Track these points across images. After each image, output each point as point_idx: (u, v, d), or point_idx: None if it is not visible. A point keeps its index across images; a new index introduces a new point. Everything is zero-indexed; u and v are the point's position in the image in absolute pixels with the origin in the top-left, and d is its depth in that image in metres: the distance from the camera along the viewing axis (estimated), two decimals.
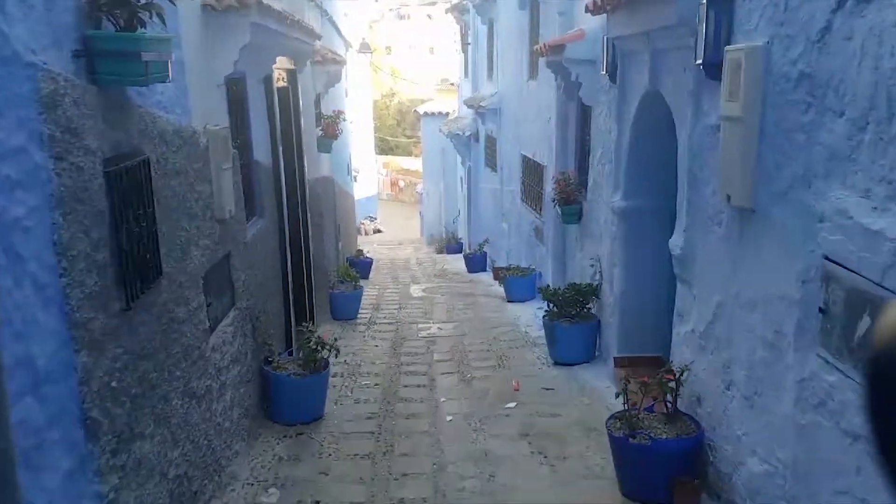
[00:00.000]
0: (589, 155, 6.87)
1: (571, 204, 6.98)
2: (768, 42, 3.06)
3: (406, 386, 5.94)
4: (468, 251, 14.96)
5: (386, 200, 37.08)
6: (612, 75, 5.55)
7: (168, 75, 3.07)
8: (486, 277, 12.60)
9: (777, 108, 3.00)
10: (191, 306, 3.71)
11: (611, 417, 4.00)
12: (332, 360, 5.27)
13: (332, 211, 10.97)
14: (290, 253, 6.50)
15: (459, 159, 18.39)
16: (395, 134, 43.66)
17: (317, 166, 9.01)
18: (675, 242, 4.10)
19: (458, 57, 20.42)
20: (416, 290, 11.22)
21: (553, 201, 7.22)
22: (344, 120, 9.88)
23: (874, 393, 0.58)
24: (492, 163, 13.64)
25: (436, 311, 9.29)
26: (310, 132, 8.22)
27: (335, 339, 5.18)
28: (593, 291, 6.16)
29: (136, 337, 3.01)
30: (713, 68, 3.50)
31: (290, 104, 7.09)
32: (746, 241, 3.29)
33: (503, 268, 11.25)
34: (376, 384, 5.95)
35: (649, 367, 5.46)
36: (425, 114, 22.81)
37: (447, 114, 20.90)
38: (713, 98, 3.61)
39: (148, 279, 3.11)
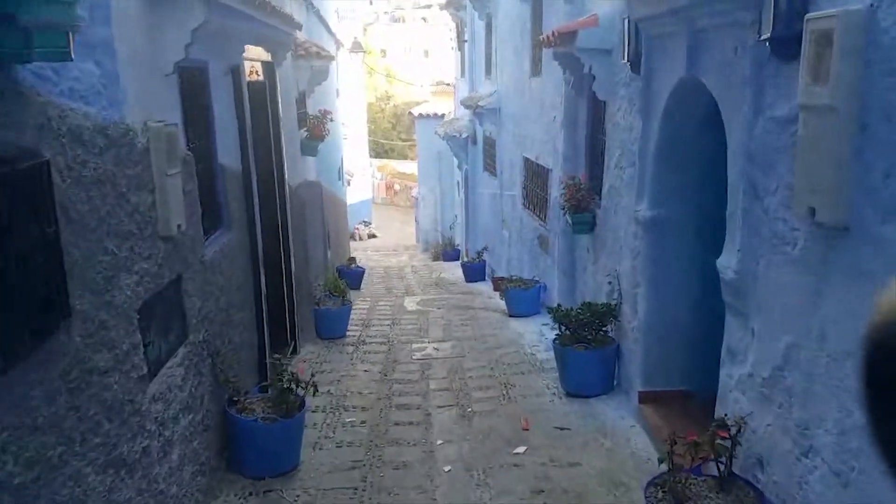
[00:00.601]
0: (603, 157, 6.10)
1: (583, 212, 6.21)
2: (872, 4, 2.29)
3: (397, 423, 5.15)
4: (466, 259, 14.20)
5: (381, 204, 36.50)
6: (634, 64, 4.79)
7: (68, 52, 2.29)
8: (486, 288, 11.83)
9: (886, 92, 2.23)
10: (119, 350, 2.92)
11: (650, 484, 3.22)
12: (311, 396, 4.48)
13: (320, 218, 10.19)
14: (265, 268, 5.72)
15: (456, 162, 17.62)
16: (391, 137, 43.10)
17: (301, 170, 8.23)
18: (727, 264, 3.32)
19: (453, 57, 19.68)
20: (410, 303, 10.44)
21: (562, 209, 6.45)
22: (331, 120, 9.11)
23: (871, 371, 0.58)
24: (491, 166, 12.88)
25: (432, 328, 8.50)
26: (292, 133, 7.44)
27: (312, 375, 4.39)
28: (611, 312, 5.38)
29: (26, 404, 2.22)
30: (785, 45, 2.74)
31: (266, 100, 6.31)
32: (836, 268, 2.52)
33: (504, 278, 10.49)
34: (363, 421, 5.16)
35: (678, 402, 4.71)
36: (420, 115, 22.06)
37: (443, 115, 20.15)
38: (783, 84, 2.84)
39: (45, 324, 2.33)
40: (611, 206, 5.64)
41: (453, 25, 17.03)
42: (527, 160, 9.74)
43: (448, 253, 17.12)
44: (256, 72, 5.96)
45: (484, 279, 12.86)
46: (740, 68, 3.21)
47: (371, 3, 51.22)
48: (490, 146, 12.91)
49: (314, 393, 4.37)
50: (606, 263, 5.79)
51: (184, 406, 3.63)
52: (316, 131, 8.65)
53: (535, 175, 9.27)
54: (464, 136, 15.10)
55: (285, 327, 6.80)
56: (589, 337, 5.36)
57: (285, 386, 4.24)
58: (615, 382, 5.48)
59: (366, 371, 6.53)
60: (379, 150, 41.01)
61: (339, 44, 15.91)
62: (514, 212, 10.67)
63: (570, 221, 6.36)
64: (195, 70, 4.37)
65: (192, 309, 3.85)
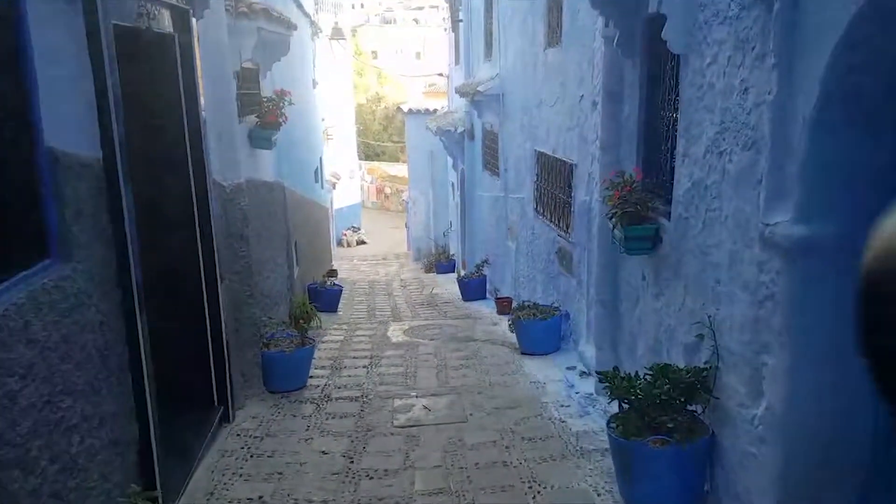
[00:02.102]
0: (669, 141, 4.15)
1: (641, 223, 4.24)
2: None
3: None
4: (463, 273, 12.21)
5: (371, 209, 34.81)
6: None
7: None
8: (487, 310, 9.86)
9: None
10: None
11: None
12: None
13: (283, 228, 8.18)
14: (163, 309, 3.71)
15: (450, 162, 15.64)
16: (382, 139, 41.37)
17: (246, 166, 6.19)
18: None
19: (446, 47, 17.75)
20: (395, 333, 8.43)
21: (609, 218, 4.46)
22: (290, 103, 7.10)
23: (866, 309, 0.58)
24: (492, 164, 10.92)
25: (421, 372, 6.50)
26: (226, 114, 5.42)
27: None
28: (702, 383, 3.39)
29: None
30: None
31: (176, 63, 4.32)
32: None
33: (511, 300, 8.56)
34: None
35: None
36: (410, 111, 20.07)
37: (435, 111, 18.21)
38: None
39: None
40: (695, 214, 3.66)
41: (446, 5, 15.04)
42: (540, 155, 7.79)
43: (442, 265, 15.16)
44: (151, 15, 3.95)
45: (484, 297, 10.90)
46: None
47: (363, 5, 49.75)
48: (491, 140, 10.95)
49: None
50: (685, 302, 3.80)
51: None
52: (269, 118, 6.65)
53: (553, 173, 7.31)
54: (459, 130, 13.14)
55: (211, 387, 4.80)
56: (670, 424, 3.36)
57: None
58: (706, 488, 3.50)
59: (323, 454, 4.50)
60: (370, 153, 39.38)
61: (315, 27, 13.96)
62: (524, 219, 8.70)
63: (620, 236, 4.36)
64: None
65: None
